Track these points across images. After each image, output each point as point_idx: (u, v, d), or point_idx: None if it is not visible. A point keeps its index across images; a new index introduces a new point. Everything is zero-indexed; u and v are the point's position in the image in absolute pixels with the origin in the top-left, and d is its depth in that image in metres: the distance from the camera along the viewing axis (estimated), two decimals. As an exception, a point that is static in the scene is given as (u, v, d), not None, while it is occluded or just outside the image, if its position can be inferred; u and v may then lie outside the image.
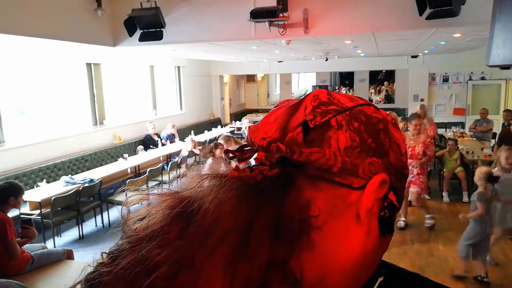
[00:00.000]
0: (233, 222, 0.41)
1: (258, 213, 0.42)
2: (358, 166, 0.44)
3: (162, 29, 5.08)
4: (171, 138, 8.71)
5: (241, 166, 0.48)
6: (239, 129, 10.29)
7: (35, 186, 5.54)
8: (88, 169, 6.69)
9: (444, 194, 6.23)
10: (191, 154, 7.70)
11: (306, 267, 0.43)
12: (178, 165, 7.00)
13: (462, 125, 10.30)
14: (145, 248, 0.42)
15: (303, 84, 19.91)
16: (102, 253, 0.49)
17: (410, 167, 4.95)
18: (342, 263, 0.45)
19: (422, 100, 11.17)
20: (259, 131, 0.49)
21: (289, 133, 0.46)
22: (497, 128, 8.62)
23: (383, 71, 14.02)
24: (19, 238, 3.33)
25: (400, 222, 5.27)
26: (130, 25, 5.13)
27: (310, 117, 0.46)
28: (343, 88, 15.39)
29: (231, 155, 0.49)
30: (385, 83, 14.47)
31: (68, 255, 3.52)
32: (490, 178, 3.74)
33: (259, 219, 0.41)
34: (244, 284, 0.40)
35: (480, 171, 3.86)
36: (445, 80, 11.22)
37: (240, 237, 0.41)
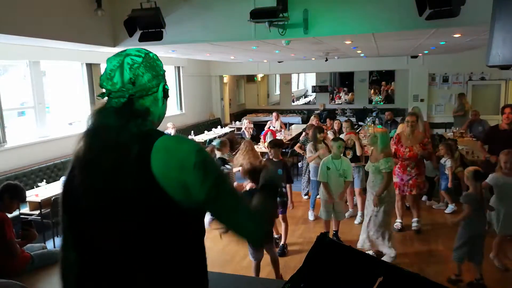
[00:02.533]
0: None
1: None
2: None
3: (162, 29, 5.08)
4: None
5: None
6: (239, 129, 10.30)
7: (35, 186, 5.54)
8: (88, 169, 6.68)
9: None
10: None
11: None
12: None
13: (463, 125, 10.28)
14: None
15: (303, 84, 19.90)
16: None
17: (408, 168, 4.95)
18: None
19: (422, 100, 11.18)
20: None
21: None
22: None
23: (375, 72, 14.02)
24: (19, 239, 3.34)
25: (397, 223, 5.26)
26: (130, 26, 5.13)
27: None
28: (343, 88, 15.36)
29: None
30: (392, 83, 14.46)
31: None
32: (477, 176, 3.68)
33: None
34: None
35: (467, 171, 3.81)
36: (445, 80, 11.23)
37: None
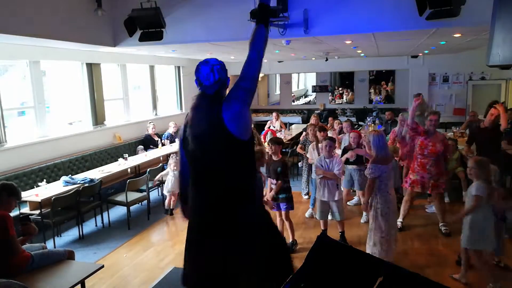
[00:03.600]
0: None
1: None
2: None
3: (162, 29, 5.08)
4: (171, 137, 8.72)
5: None
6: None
7: (35, 186, 5.54)
8: (88, 169, 6.69)
9: (444, 194, 6.21)
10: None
11: None
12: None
13: (462, 125, 10.29)
14: None
15: (303, 84, 19.90)
16: None
17: (427, 167, 4.89)
18: None
19: (422, 100, 11.17)
20: None
21: None
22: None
23: (373, 71, 14.03)
24: (21, 236, 3.34)
25: (398, 223, 5.25)
26: (130, 25, 5.14)
27: None
28: (349, 90, 15.38)
29: None
30: (387, 84, 14.45)
31: (69, 256, 3.51)
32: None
33: None
34: None
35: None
36: (445, 80, 11.23)
37: None
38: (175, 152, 6.96)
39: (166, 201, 6.19)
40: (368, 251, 4.11)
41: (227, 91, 2.35)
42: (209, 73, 2.31)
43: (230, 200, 2.25)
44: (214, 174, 2.27)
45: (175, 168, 5.97)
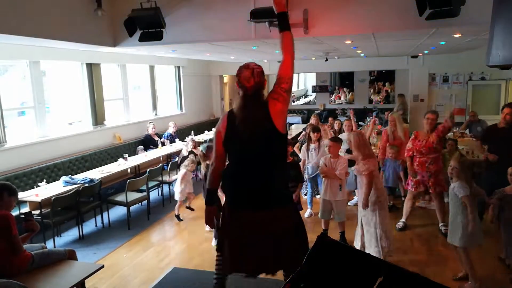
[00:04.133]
0: None
1: None
2: None
3: (162, 29, 5.08)
4: (171, 137, 8.74)
5: None
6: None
7: (35, 186, 5.54)
8: (88, 169, 6.69)
9: (444, 194, 6.22)
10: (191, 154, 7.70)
11: None
12: (178, 166, 7.01)
13: (462, 125, 10.29)
14: None
15: (303, 84, 19.88)
16: None
17: (426, 165, 4.90)
18: None
19: (422, 100, 11.18)
20: None
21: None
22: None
23: (375, 71, 14.04)
24: (25, 233, 3.35)
25: (399, 223, 5.27)
26: (130, 25, 5.13)
27: None
28: (345, 89, 15.34)
29: None
30: (386, 84, 14.46)
31: (70, 256, 3.51)
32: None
33: None
34: None
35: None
36: (445, 80, 11.23)
37: None
38: (193, 154, 6.95)
39: (177, 207, 5.97)
40: (373, 248, 4.12)
41: (266, 93, 2.76)
42: (250, 77, 2.67)
43: (275, 180, 2.74)
44: (263, 160, 2.70)
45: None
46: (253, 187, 2.72)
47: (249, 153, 2.70)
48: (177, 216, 5.89)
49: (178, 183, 5.92)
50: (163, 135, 8.73)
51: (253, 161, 2.69)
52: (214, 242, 4.82)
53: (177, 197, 5.91)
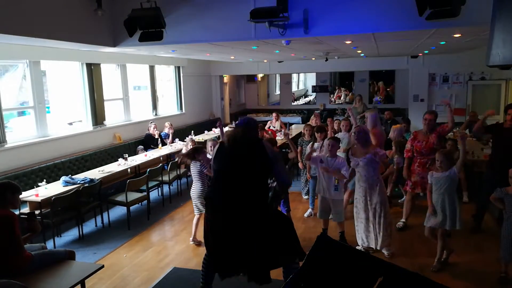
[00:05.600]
0: None
1: None
2: None
3: (162, 29, 5.08)
4: (168, 137, 8.76)
5: None
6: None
7: (35, 186, 5.54)
8: (88, 169, 6.69)
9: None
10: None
11: None
12: (178, 165, 7.01)
13: (462, 125, 10.28)
14: None
15: (303, 84, 19.90)
16: None
17: (427, 166, 4.85)
18: None
19: (422, 100, 11.18)
20: None
21: None
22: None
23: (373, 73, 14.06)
24: (27, 234, 3.34)
25: (399, 223, 5.27)
26: (130, 25, 5.13)
27: None
28: (343, 88, 15.36)
29: None
30: (380, 82, 14.45)
31: (70, 256, 3.51)
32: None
33: None
34: None
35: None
36: (445, 80, 11.23)
37: None
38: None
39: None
40: (379, 245, 4.40)
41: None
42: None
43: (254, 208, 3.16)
44: (246, 192, 3.16)
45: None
46: (230, 210, 3.14)
47: (234, 182, 3.14)
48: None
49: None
50: (162, 135, 8.75)
51: (236, 190, 3.12)
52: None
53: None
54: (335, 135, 5.90)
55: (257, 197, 3.14)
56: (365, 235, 4.45)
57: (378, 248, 4.43)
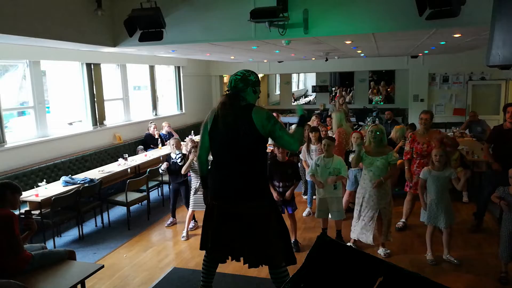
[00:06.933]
0: None
1: None
2: None
3: (162, 29, 5.08)
4: (164, 137, 8.75)
5: None
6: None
7: (35, 186, 5.54)
8: (88, 169, 6.69)
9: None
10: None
11: None
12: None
13: (462, 125, 10.29)
14: None
15: (303, 84, 19.89)
16: None
17: None
18: None
19: (422, 100, 11.18)
20: None
21: None
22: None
23: (374, 75, 14.04)
24: (25, 233, 3.34)
25: (399, 223, 5.27)
26: (130, 25, 5.13)
27: None
28: (343, 88, 15.29)
29: None
30: (382, 82, 14.43)
31: (70, 256, 3.51)
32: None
33: None
34: None
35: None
36: (445, 80, 11.23)
37: None
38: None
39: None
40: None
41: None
42: (231, 80, 3.06)
43: (245, 177, 3.02)
44: (235, 157, 3.02)
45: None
46: (222, 181, 3.04)
47: (224, 148, 3.00)
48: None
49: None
50: (162, 135, 8.74)
51: (226, 157, 3.01)
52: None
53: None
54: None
55: (247, 165, 2.96)
56: (363, 232, 4.45)
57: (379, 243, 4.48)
